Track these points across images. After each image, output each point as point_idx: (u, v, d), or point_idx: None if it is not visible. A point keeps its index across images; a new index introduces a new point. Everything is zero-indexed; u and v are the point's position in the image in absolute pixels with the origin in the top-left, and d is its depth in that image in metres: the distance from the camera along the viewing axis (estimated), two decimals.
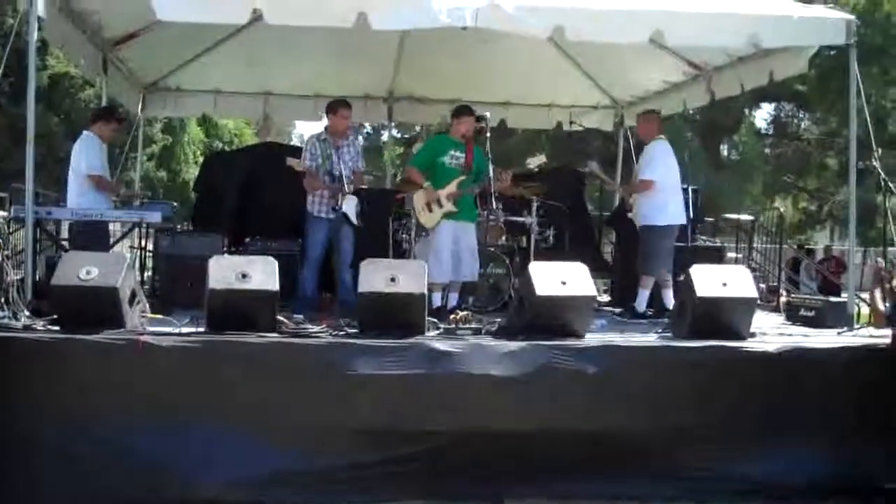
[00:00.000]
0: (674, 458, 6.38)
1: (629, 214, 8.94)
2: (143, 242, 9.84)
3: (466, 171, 8.31)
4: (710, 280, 6.79)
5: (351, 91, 12.18)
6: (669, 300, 8.45)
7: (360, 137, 8.56)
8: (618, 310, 9.07)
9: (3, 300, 6.59)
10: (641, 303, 8.67)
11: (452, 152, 8.37)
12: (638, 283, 8.74)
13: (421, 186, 8.36)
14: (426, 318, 6.64)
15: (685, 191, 9.13)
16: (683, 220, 8.72)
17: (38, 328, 6.23)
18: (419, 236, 8.93)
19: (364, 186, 8.86)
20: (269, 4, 6.81)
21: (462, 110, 8.55)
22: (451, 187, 8.25)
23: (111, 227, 9.12)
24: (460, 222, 8.34)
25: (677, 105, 11.19)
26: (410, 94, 12.80)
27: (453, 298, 8.38)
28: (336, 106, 8.66)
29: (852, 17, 7.80)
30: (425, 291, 6.57)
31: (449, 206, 8.25)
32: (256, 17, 7.01)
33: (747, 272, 7.19)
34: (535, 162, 8.56)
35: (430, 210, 8.31)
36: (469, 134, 8.42)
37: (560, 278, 6.61)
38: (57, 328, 6.19)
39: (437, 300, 8.17)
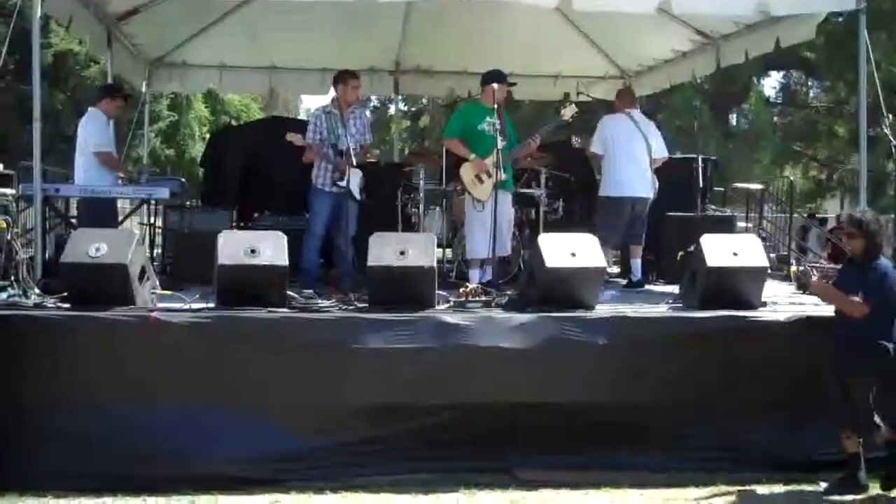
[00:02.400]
0: (685, 428, 6.36)
1: None
2: (151, 219, 9.82)
3: (504, 138, 8.01)
4: (720, 249, 6.77)
5: (357, 64, 12.06)
6: None
7: (368, 111, 8.43)
8: (624, 281, 9.12)
9: (13, 278, 6.62)
10: (635, 271, 8.85)
11: (489, 119, 8.12)
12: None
13: (467, 158, 8.11)
14: (436, 291, 6.63)
15: (695, 160, 9.10)
16: (622, 193, 8.70)
17: (49, 305, 6.26)
18: (428, 209, 8.90)
19: (372, 160, 8.77)
20: None
21: (496, 76, 8.20)
22: (495, 155, 7.90)
23: (119, 203, 9.12)
24: (504, 192, 8.05)
25: (685, 74, 11.14)
26: (416, 67, 12.76)
27: (481, 275, 8.16)
28: (345, 76, 8.36)
29: None
30: (435, 265, 6.55)
31: (498, 175, 7.91)
32: None
33: (758, 241, 7.16)
34: (569, 112, 8.37)
35: (481, 181, 8.06)
36: (502, 101, 8.22)
37: (570, 250, 6.59)
38: (67, 305, 6.22)
39: (476, 276, 8.08)
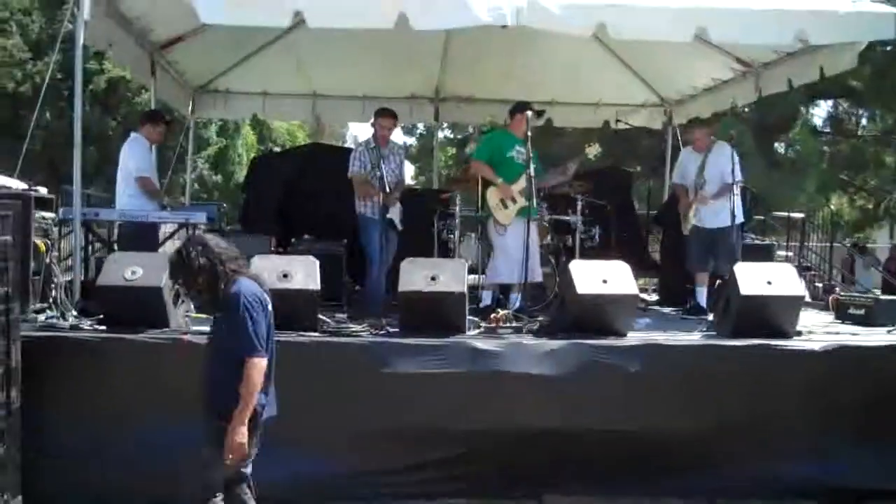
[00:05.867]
0: (716, 456, 6.31)
1: (691, 218, 8.90)
2: None
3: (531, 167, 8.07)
4: (754, 278, 6.73)
5: (397, 91, 12.25)
6: None
7: (402, 151, 8.74)
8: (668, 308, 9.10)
9: (51, 300, 6.73)
10: (703, 298, 8.78)
11: (517, 147, 8.24)
12: (695, 281, 8.91)
13: (494, 182, 8.19)
14: (466, 316, 6.64)
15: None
16: None
17: (85, 328, 6.34)
18: (464, 235, 8.92)
19: (415, 186, 8.89)
20: (311, 7, 6.84)
21: (524, 106, 8.30)
22: (522, 182, 8.05)
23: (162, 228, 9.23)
24: (529, 219, 8.06)
25: (726, 102, 11.07)
26: (457, 94, 12.79)
27: (515, 299, 8.03)
28: (377, 115, 8.70)
29: None
30: (465, 290, 6.57)
31: (522, 202, 8.08)
32: (299, 19, 7.06)
33: (793, 270, 7.10)
34: (593, 151, 8.41)
35: (506, 206, 8.15)
36: (530, 130, 8.22)
37: (601, 277, 6.58)
38: (103, 328, 6.30)
39: (486, 298, 8.11)
